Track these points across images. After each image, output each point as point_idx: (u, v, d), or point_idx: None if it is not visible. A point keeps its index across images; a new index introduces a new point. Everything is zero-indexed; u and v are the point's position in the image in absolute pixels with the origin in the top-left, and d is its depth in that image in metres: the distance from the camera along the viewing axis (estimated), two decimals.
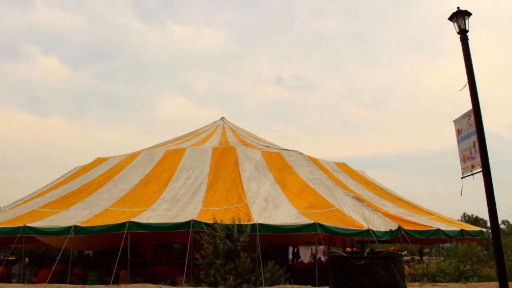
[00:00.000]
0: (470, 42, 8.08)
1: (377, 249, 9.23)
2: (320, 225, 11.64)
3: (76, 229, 11.79)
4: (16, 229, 12.31)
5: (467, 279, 11.24)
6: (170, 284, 11.24)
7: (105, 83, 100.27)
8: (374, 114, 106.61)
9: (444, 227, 14.54)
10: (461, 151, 8.60)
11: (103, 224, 12.01)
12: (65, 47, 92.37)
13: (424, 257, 18.12)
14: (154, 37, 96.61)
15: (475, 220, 45.29)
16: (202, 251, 11.17)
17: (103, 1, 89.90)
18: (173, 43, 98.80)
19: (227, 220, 11.44)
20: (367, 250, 5.99)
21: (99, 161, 18.35)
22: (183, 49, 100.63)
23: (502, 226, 49.95)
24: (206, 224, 11.44)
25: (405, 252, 7.12)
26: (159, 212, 12.78)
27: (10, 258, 15.15)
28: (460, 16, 8.07)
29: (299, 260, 19.37)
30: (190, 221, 11.58)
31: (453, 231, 14.46)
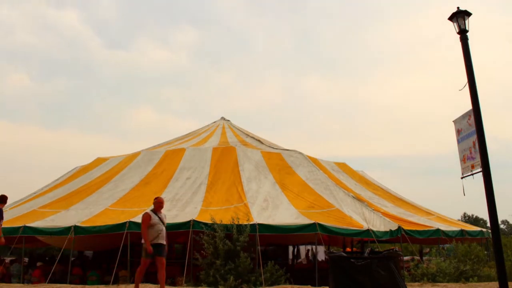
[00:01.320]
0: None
1: (377, 249, 9.23)
2: (320, 225, 11.64)
3: (76, 229, 11.79)
4: (16, 229, 12.30)
5: (467, 279, 11.24)
6: (170, 284, 11.23)
7: (78, 96, 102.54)
8: (367, 120, 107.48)
9: (444, 227, 14.53)
10: (461, 151, 8.60)
11: (103, 224, 12.00)
12: (37, 64, 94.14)
13: (424, 257, 18.12)
14: (124, 58, 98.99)
15: (475, 220, 45.37)
16: (202, 251, 11.17)
17: (68, 25, 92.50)
18: (141, 62, 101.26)
19: (226, 220, 11.44)
20: (367, 250, 5.98)
21: (99, 161, 18.35)
22: (149, 66, 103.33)
23: (502, 226, 49.97)
24: (206, 224, 11.43)
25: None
26: None
27: (9, 258, 15.15)
28: (460, 16, 8.07)
29: (299, 260, 19.37)
30: (190, 221, 11.58)
31: (453, 231, 14.46)
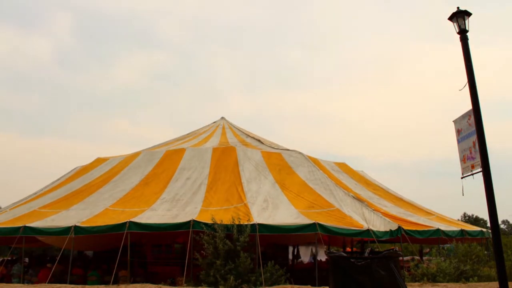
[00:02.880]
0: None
1: (377, 249, 9.23)
2: (320, 225, 11.64)
3: (76, 229, 11.79)
4: (16, 229, 12.31)
5: (467, 279, 11.25)
6: (170, 284, 11.25)
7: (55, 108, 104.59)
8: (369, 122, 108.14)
9: (444, 227, 14.53)
10: (461, 151, 8.60)
11: (103, 224, 12.01)
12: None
13: (424, 257, 18.12)
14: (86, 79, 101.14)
15: (475, 220, 45.29)
16: (202, 251, 11.17)
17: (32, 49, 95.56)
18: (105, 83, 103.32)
19: (227, 220, 11.44)
20: (367, 250, 5.99)
21: (99, 161, 18.35)
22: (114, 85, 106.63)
23: (502, 226, 49.94)
24: (206, 224, 11.44)
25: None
26: (159, 212, 12.78)
27: (9, 258, 15.16)
28: (460, 16, 8.08)
29: (299, 260, 19.36)
30: (190, 221, 11.59)
31: (453, 231, 14.46)
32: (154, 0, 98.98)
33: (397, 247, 12.42)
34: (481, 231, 16.05)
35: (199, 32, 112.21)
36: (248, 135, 21.61)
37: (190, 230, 11.41)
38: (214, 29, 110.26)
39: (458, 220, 24.59)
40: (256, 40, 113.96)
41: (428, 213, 16.75)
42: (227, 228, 11.18)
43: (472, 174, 8.14)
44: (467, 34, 8.08)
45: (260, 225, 11.54)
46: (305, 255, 20.34)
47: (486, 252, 15.44)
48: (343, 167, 19.16)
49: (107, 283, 11.53)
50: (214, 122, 23.61)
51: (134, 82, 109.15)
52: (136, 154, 17.65)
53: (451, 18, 8.19)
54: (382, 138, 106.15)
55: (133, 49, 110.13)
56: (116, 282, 11.48)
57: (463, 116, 8.52)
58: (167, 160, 16.51)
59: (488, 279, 11.39)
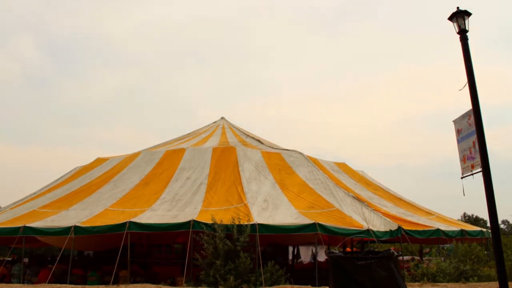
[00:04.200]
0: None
1: (377, 249, 9.22)
2: (320, 225, 11.64)
3: (76, 229, 11.79)
4: (16, 229, 12.31)
5: (467, 279, 11.25)
6: (170, 284, 11.24)
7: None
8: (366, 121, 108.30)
9: (444, 227, 14.53)
10: (461, 151, 8.60)
11: (103, 224, 12.01)
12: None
13: (424, 257, 18.12)
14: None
15: (475, 220, 45.31)
16: (202, 251, 11.17)
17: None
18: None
19: (226, 220, 11.44)
20: (364, 251, 5.97)
21: (99, 161, 18.36)
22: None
23: (502, 226, 49.95)
24: (206, 224, 11.44)
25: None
26: (159, 212, 12.78)
27: (9, 258, 15.16)
28: (459, 16, 8.07)
29: (299, 260, 19.37)
30: (190, 221, 11.59)
31: (453, 231, 14.46)
32: (124, 21, 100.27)
33: (392, 247, 12.42)
34: (481, 231, 16.05)
35: (165, 49, 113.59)
36: (248, 135, 21.61)
37: (190, 230, 11.41)
38: (178, 46, 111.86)
39: (458, 220, 24.58)
40: (223, 55, 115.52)
41: (428, 213, 16.75)
42: (227, 228, 11.18)
43: (472, 174, 8.14)
44: (467, 34, 8.07)
45: (260, 225, 11.54)
46: (305, 255, 20.36)
47: (486, 252, 15.44)
48: (343, 167, 19.17)
49: (107, 283, 11.53)
50: (214, 122, 23.60)
51: (105, 97, 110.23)
52: (136, 154, 17.65)
53: (451, 18, 8.19)
54: (382, 138, 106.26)
55: (101, 66, 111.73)
56: (116, 282, 11.48)
57: (463, 116, 8.52)
58: (167, 160, 16.51)
59: (488, 279, 11.39)
